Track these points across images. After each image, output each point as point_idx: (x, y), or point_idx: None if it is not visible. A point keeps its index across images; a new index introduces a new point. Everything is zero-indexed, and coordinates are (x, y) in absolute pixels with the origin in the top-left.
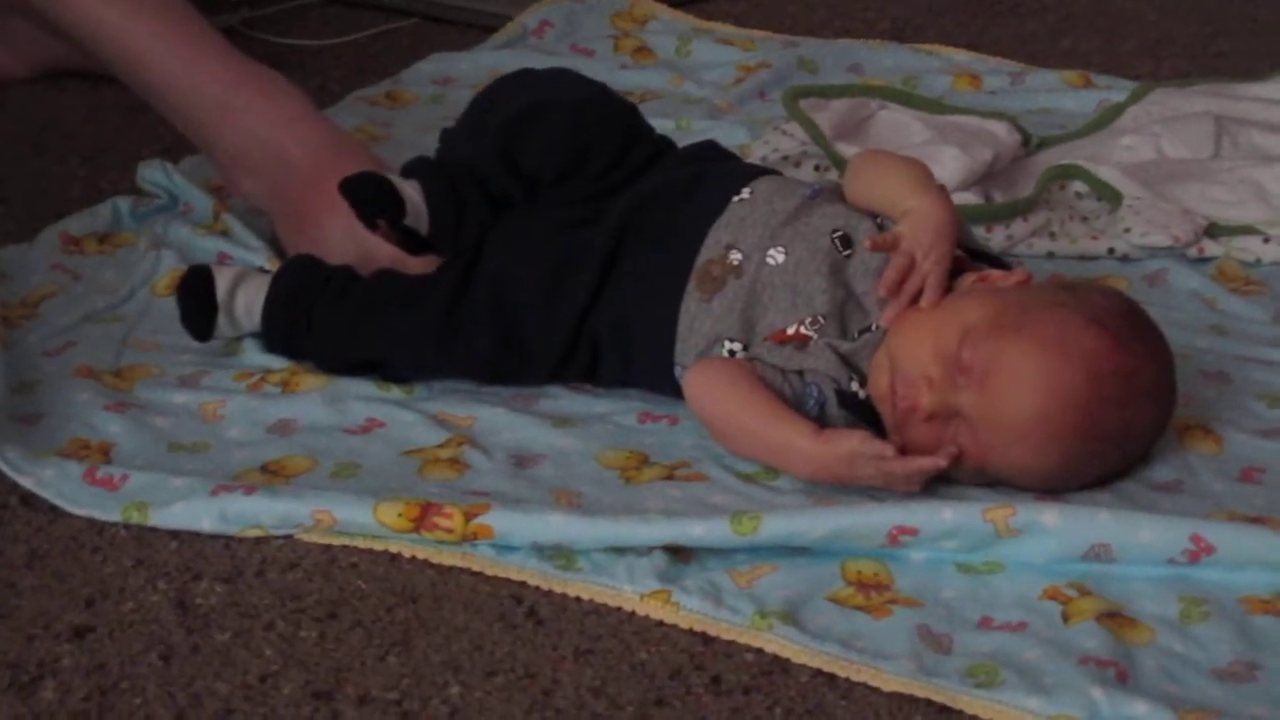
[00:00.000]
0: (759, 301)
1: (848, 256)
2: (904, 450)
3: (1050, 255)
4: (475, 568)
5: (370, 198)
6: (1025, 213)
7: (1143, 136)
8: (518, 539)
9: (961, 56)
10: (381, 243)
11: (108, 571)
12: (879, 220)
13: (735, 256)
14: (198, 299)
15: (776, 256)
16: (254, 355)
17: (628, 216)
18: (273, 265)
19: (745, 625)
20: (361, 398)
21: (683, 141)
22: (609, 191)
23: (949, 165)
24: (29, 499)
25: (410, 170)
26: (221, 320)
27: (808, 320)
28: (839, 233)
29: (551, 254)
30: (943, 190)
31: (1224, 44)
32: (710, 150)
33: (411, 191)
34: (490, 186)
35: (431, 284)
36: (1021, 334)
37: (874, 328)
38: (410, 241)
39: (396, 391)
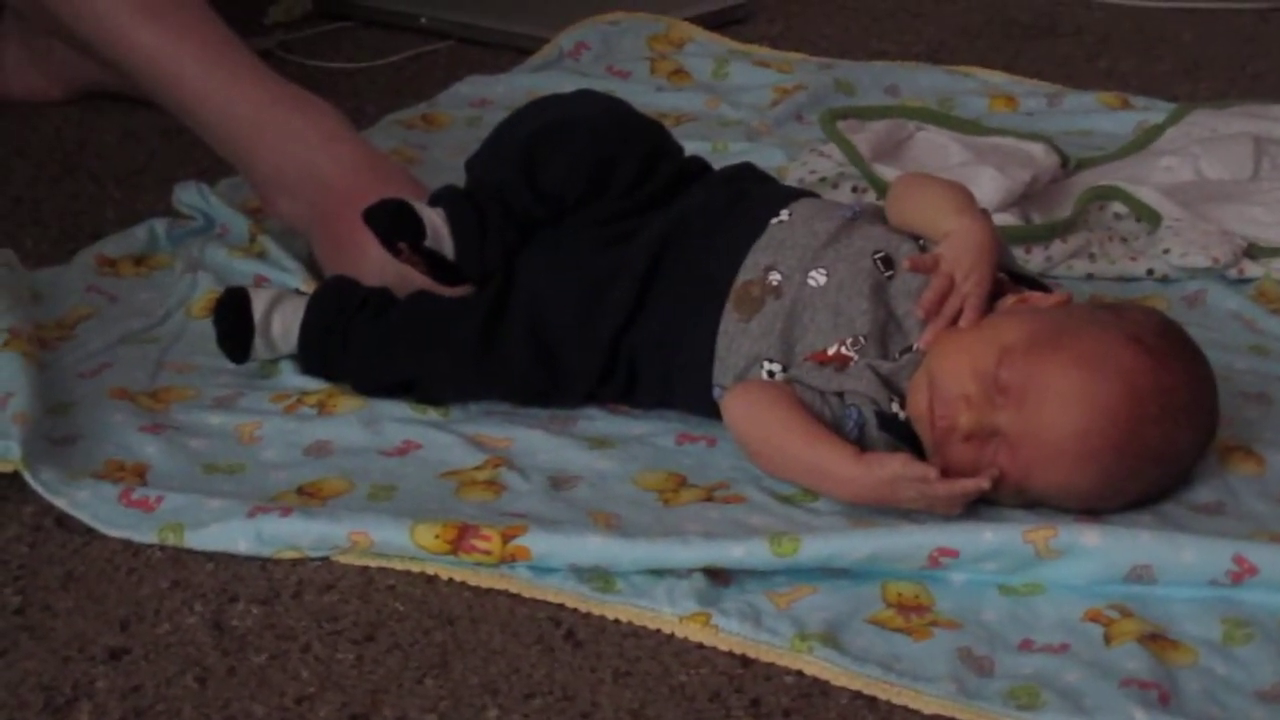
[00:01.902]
0: (799, 322)
1: (889, 277)
2: (944, 471)
3: (1089, 277)
4: (513, 589)
5: (389, 221)
6: (1064, 234)
7: (1181, 158)
8: (556, 560)
9: (998, 78)
10: None
11: (143, 593)
12: (921, 242)
13: (774, 277)
14: (234, 321)
15: (818, 278)
16: (290, 377)
17: (664, 237)
18: (309, 287)
19: (785, 647)
20: (398, 419)
21: (719, 164)
22: (639, 209)
23: (987, 186)
24: (64, 520)
25: (435, 198)
26: (258, 342)
27: (848, 341)
28: (880, 254)
29: (587, 273)
30: (984, 213)
31: (1261, 65)
32: (747, 172)
33: (435, 217)
34: (515, 207)
35: (468, 304)
36: (1060, 352)
37: (914, 348)
38: (440, 271)
39: (433, 413)
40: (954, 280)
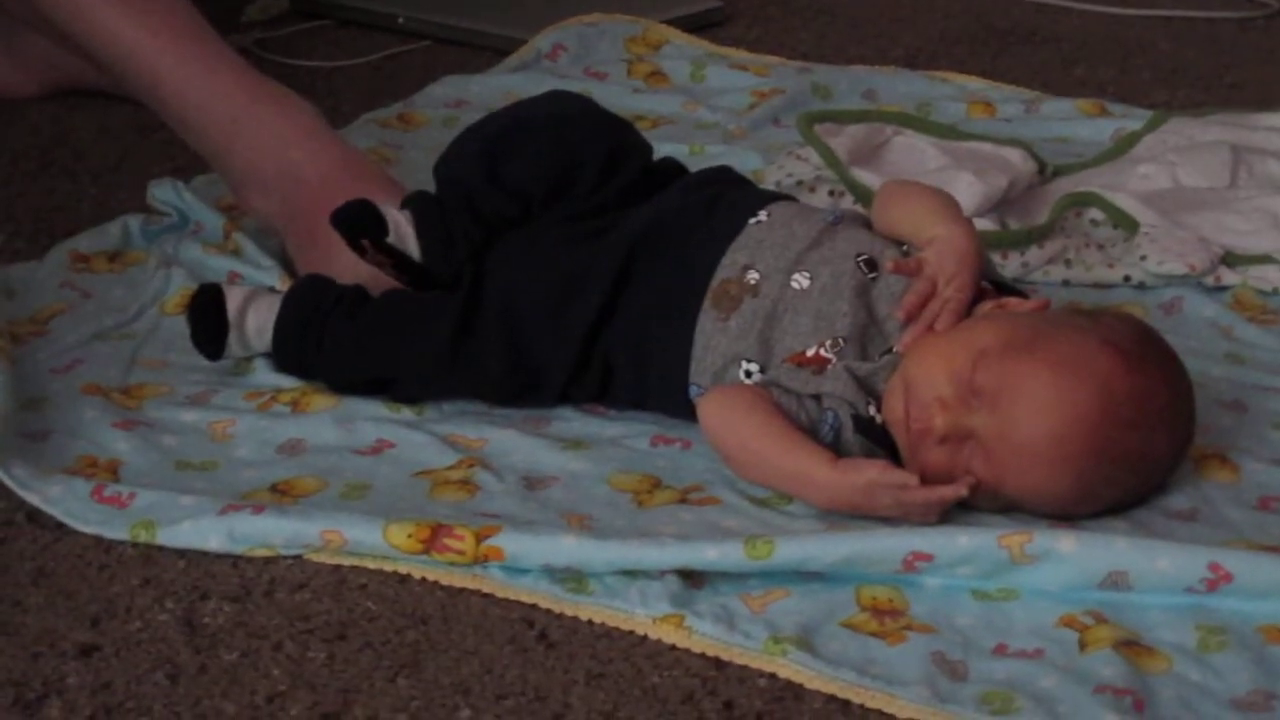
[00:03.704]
0: (779, 324)
1: (873, 279)
2: (920, 477)
3: (1066, 283)
4: (486, 590)
5: (352, 220)
6: (1041, 240)
7: (1159, 165)
8: (529, 561)
9: (976, 84)
10: None
11: (115, 590)
12: (905, 248)
13: (752, 276)
14: (208, 318)
15: (801, 281)
16: (264, 374)
17: (639, 235)
18: (284, 285)
19: (758, 650)
20: (371, 418)
21: (696, 167)
22: (609, 206)
23: (964, 191)
24: (36, 516)
25: (404, 202)
26: (232, 339)
27: (828, 343)
28: (864, 256)
29: (559, 270)
30: (970, 221)
31: (1238, 74)
32: (724, 175)
33: (400, 217)
34: (482, 207)
35: (442, 302)
36: (1035, 355)
37: (893, 350)
38: (407, 272)
39: (407, 412)
40: (936, 285)
